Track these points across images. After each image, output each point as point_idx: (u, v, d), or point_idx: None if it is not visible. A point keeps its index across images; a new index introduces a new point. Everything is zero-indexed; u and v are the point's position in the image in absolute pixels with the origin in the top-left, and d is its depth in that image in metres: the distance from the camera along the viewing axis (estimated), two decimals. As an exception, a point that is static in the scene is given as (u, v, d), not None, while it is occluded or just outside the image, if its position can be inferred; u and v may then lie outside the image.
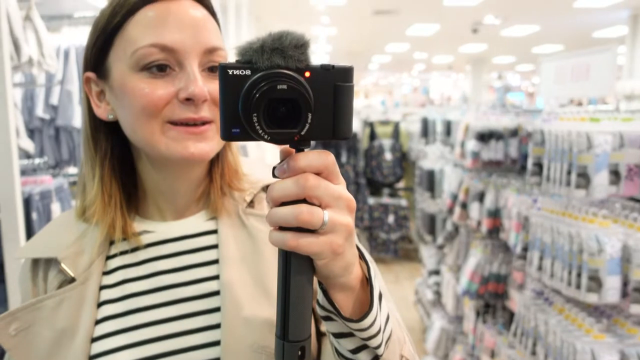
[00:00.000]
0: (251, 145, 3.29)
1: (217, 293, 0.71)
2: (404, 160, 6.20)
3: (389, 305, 0.62)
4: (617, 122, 1.98)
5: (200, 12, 0.69)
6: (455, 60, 15.38)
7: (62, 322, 0.69)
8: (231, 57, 0.53)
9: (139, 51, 0.65)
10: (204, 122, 0.67)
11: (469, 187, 3.06)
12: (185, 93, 0.65)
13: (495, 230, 2.81)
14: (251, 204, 0.78)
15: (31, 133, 2.75)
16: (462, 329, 3.39)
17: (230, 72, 0.47)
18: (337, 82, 0.48)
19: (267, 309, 0.68)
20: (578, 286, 1.92)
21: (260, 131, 0.46)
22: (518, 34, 10.53)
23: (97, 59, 0.71)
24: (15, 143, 1.69)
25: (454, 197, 3.30)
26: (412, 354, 0.63)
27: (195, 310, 0.70)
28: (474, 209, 2.95)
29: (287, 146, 0.51)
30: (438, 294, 3.87)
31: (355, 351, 0.56)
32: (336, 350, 0.59)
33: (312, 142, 0.51)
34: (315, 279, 0.54)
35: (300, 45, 0.47)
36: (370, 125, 6.28)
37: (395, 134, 6.23)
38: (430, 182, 4.35)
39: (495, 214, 2.78)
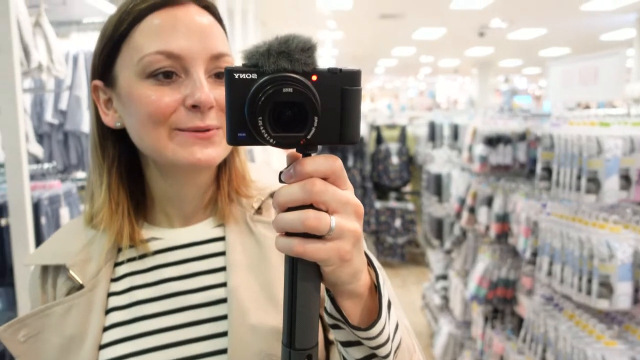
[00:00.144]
0: (257, 149, 3.29)
1: (224, 300, 0.71)
2: (410, 164, 6.18)
3: (398, 313, 0.61)
4: (627, 126, 1.96)
5: (206, 18, 0.70)
6: (462, 63, 15.35)
7: (71, 329, 0.69)
8: (237, 62, 0.52)
9: (145, 58, 0.66)
10: (211, 129, 0.67)
11: (477, 191, 3.05)
12: (192, 100, 0.65)
13: (503, 235, 2.79)
14: (259, 210, 0.77)
15: (40, 138, 2.77)
16: (470, 334, 3.37)
17: (236, 75, 0.46)
18: (344, 85, 0.48)
19: (275, 317, 0.68)
20: (589, 292, 1.90)
21: (266, 135, 0.46)
22: (525, 37, 10.50)
23: (104, 67, 0.71)
24: (25, 148, 1.70)
25: (462, 202, 3.28)
26: None
27: (202, 318, 0.70)
28: (482, 213, 2.94)
29: (294, 151, 0.50)
30: (446, 298, 3.85)
31: None
32: (344, 359, 0.58)
33: (319, 147, 0.50)
34: (322, 286, 0.53)
35: (307, 49, 0.46)
36: (377, 129, 6.27)
37: (402, 137, 6.22)
38: (438, 186, 4.34)
39: (503, 219, 2.76)
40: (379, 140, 6.23)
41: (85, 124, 2.67)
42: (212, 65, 0.68)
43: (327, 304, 0.55)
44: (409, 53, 13.23)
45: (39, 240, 2.04)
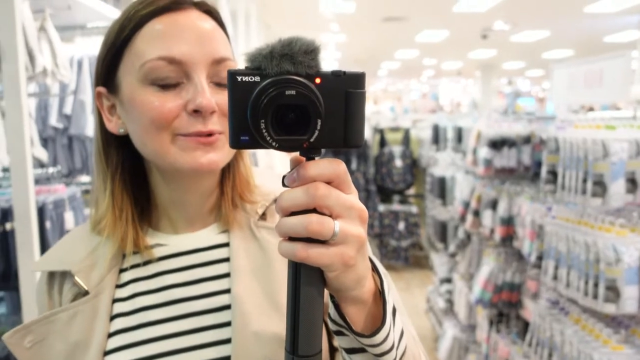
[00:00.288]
0: (261, 153, 3.29)
1: (228, 307, 0.70)
2: (414, 167, 6.18)
3: (403, 320, 0.60)
4: (633, 129, 1.95)
5: (208, 23, 0.70)
6: (465, 66, 15.34)
7: (76, 336, 0.69)
8: (240, 64, 0.52)
9: (147, 64, 0.66)
10: (213, 133, 0.67)
11: (482, 194, 3.04)
12: (193, 105, 0.65)
13: (508, 239, 2.78)
14: (263, 216, 0.77)
15: (45, 142, 2.78)
16: (475, 338, 3.36)
17: (239, 78, 0.46)
18: (348, 88, 0.47)
19: (278, 323, 0.67)
20: (595, 296, 1.89)
21: (269, 138, 0.45)
22: (528, 40, 10.48)
23: (107, 73, 0.71)
24: (30, 153, 1.70)
25: (466, 205, 3.28)
26: None
27: (205, 325, 0.70)
28: (487, 216, 2.93)
29: (298, 154, 0.49)
30: (450, 302, 3.84)
31: None
32: None
33: (323, 150, 0.49)
34: (326, 292, 0.52)
35: (310, 51, 0.46)
36: (381, 131, 6.27)
37: (406, 140, 6.22)
38: (442, 189, 4.33)
39: (508, 222, 2.75)
40: (383, 143, 6.22)
41: (90, 128, 2.68)
42: (214, 70, 0.68)
43: (331, 310, 0.54)
44: (412, 56, 13.23)
45: (43, 244, 2.04)
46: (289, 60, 0.45)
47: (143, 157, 0.74)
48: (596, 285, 1.89)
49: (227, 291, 0.71)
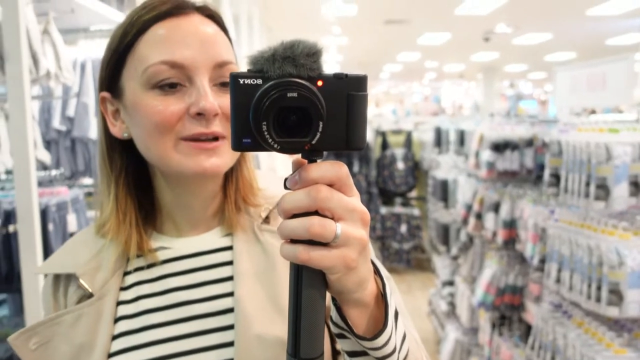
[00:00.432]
0: (263, 155, 3.29)
1: (231, 310, 0.70)
2: (416, 169, 6.17)
3: (406, 323, 0.60)
4: (636, 132, 1.95)
5: (210, 27, 0.70)
6: (467, 68, 15.33)
7: (80, 338, 0.69)
8: (243, 67, 0.52)
9: (150, 69, 0.66)
10: (216, 137, 0.67)
11: (484, 197, 3.04)
12: (196, 108, 0.65)
13: (511, 242, 2.78)
14: (267, 219, 0.77)
15: (48, 144, 2.78)
16: (477, 341, 3.35)
17: (241, 81, 0.46)
18: (350, 91, 0.47)
19: (281, 327, 0.67)
20: (598, 299, 1.89)
21: (270, 140, 0.45)
22: (530, 42, 10.47)
23: (111, 78, 0.72)
24: (33, 155, 1.70)
25: (469, 208, 3.27)
26: None
27: (209, 328, 0.70)
28: (489, 219, 2.93)
29: (300, 157, 0.50)
30: (452, 305, 3.83)
31: None
32: None
33: (325, 153, 0.50)
34: (328, 295, 0.52)
35: (312, 54, 0.46)
36: (383, 134, 6.27)
37: (408, 143, 6.22)
38: (444, 191, 4.33)
39: (511, 225, 2.75)
40: (385, 145, 6.22)
41: (93, 131, 2.68)
42: (217, 74, 0.68)
43: (333, 312, 0.54)
44: (414, 58, 13.23)
45: (46, 246, 2.05)
46: (291, 63, 0.46)
47: (147, 161, 0.74)
48: (599, 288, 1.89)
49: (231, 294, 0.71)
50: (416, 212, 6.14)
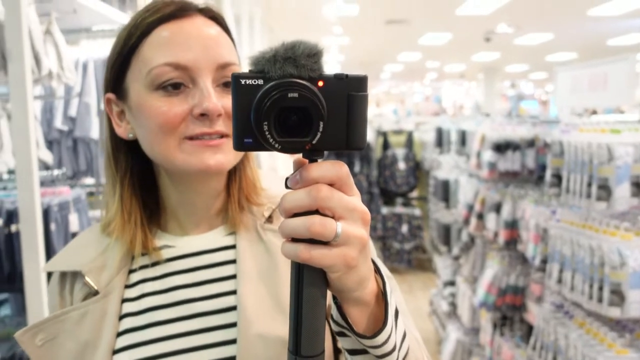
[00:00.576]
0: (264, 154, 3.30)
1: (233, 308, 0.71)
2: (417, 169, 6.17)
3: (407, 323, 0.61)
4: (638, 133, 1.95)
5: (213, 29, 0.71)
6: (468, 68, 15.33)
7: (86, 335, 0.70)
8: (245, 68, 0.53)
9: (154, 71, 0.67)
10: (220, 136, 0.68)
11: (486, 197, 3.04)
12: (200, 109, 0.66)
13: (512, 242, 2.78)
14: (269, 219, 0.78)
15: (50, 144, 2.78)
16: (478, 342, 3.35)
17: (242, 81, 0.47)
18: (350, 91, 0.48)
19: (283, 325, 0.68)
20: (600, 300, 1.89)
21: (271, 140, 0.46)
22: (531, 43, 10.47)
23: (115, 80, 0.73)
24: (35, 155, 1.70)
25: (470, 208, 3.27)
26: None
27: (211, 325, 0.71)
28: (491, 220, 2.93)
29: (301, 157, 0.50)
30: (453, 305, 3.83)
31: None
32: None
33: (325, 153, 0.50)
34: (329, 294, 0.52)
35: (313, 55, 0.47)
36: (384, 134, 6.27)
37: (409, 143, 6.22)
38: (445, 192, 4.33)
39: (512, 225, 2.75)
40: (386, 145, 6.22)
41: (94, 131, 2.69)
42: (219, 75, 0.69)
43: (333, 311, 0.55)
44: (415, 58, 13.23)
45: (48, 246, 2.05)
46: (292, 64, 0.46)
47: (152, 161, 0.75)
48: (601, 289, 1.89)
49: (233, 292, 0.72)
50: (417, 212, 6.14)
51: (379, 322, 0.53)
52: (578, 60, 12.80)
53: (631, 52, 2.54)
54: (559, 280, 2.15)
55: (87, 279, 0.73)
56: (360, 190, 5.93)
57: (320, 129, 0.46)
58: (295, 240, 0.48)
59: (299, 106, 0.46)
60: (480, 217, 3.09)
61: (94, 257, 0.75)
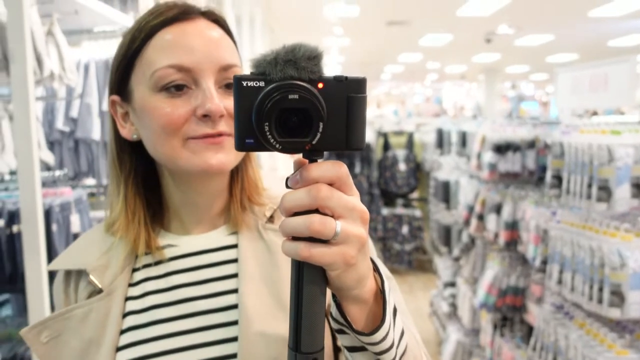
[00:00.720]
0: (264, 155, 3.30)
1: (235, 307, 0.72)
2: (418, 170, 6.18)
3: (405, 322, 0.61)
4: (638, 134, 1.95)
5: (216, 32, 0.73)
6: (468, 69, 15.33)
7: (90, 332, 0.72)
8: (246, 70, 0.54)
9: (157, 73, 0.69)
10: (222, 134, 0.70)
11: (486, 198, 3.04)
12: (202, 110, 0.68)
13: (512, 243, 2.78)
14: (271, 219, 0.79)
15: (51, 145, 2.79)
16: (478, 342, 3.35)
17: (244, 83, 0.48)
18: (349, 93, 0.49)
19: (283, 324, 0.69)
20: (600, 301, 1.89)
21: (272, 140, 0.47)
22: (532, 44, 10.47)
23: (120, 82, 0.75)
24: (37, 156, 1.71)
25: (470, 209, 3.28)
26: None
27: (213, 323, 0.72)
28: (491, 221, 2.93)
29: (301, 157, 0.51)
30: (454, 306, 3.83)
31: None
32: None
33: (325, 153, 0.51)
34: (329, 293, 0.53)
35: (313, 57, 0.48)
36: (384, 135, 6.27)
37: (409, 144, 6.22)
38: (446, 193, 4.33)
39: (512, 226, 2.75)
40: (386, 146, 6.23)
41: (96, 132, 2.69)
42: (222, 77, 0.71)
43: (333, 309, 0.55)
44: (416, 59, 13.24)
45: (50, 247, 2.05)
46: (292, 66, 0.47)
47: (155, 162, 0.77)
48: (601, 289, 1.89)
49: (235, 291, 0.73)
50: (418, 213, 6.14)
51: (378, 319, 0.54)
52: (579, 61, 12.79)
53: (632, 53, 2.54)
54: (559, 281, 2.15)
55: (92, 277, 0.74)
56: (361, 191, 5.93)
57: (320, 130, 0.47)
58: (295, 238, 0.49)
59: (300, 107, 0.47)
60: (481, 218, 3.10)
61: (98, 256, 0.77)
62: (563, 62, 13.03)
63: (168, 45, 0.69)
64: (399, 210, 6.18)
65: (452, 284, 3.96)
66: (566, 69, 3.01)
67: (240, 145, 0.49)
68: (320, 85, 0.48)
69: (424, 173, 6.15)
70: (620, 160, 1.89)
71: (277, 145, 0.47)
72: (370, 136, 6.26)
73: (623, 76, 2.47)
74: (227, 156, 0.70)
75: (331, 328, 0.70)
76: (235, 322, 0.71)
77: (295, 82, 0.47)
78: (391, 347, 0.54)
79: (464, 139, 3.89)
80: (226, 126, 0.70)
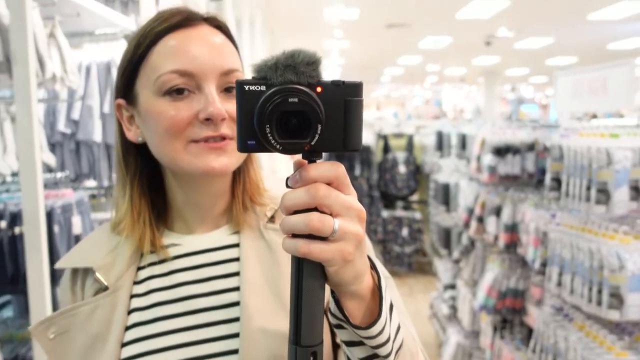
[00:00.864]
0: (264, 156, 3.31)
1: (237, 304, 0.74)
2: (418, 173, 6.18)
3: (402, 319, 0.63)
4: (637, 137, 1.96)
5: (218, 37, 0.75)
6: (468, 72, 15.36)
7: (96, 328, 0.74)
8: (247, 74, 0.56)
9: (161, 77, 0.71)
10: (224, 138, 0.72)
11: (486, 201, 3.05)
12: (205, 114, 0.70)
13: (512, 245, 2.79)
14: (272, 219, 0.81)
15: (52, 147, 2.80)
16: (478, 345, 3.35)
17: (246, 87, 0.50)
18: (347, 96, 0.51)
19: (284, 320, 0.70)
20: (599, 303, 1.90)
21: (273, 141, 0.49)
22: (532, 47, 10.50)
23: (126, 87, 0.77)
24: (39, 158, 1.72)
25: (470, 211, 3.28)
26: None
27: (215, 320, 0.74)
28: (491, 223, 2.94)
29: (300, 157, 0.53)
30: (454, 308, 3.84)
31: None
32: (348, 359, 0.61)
33: (324, 154, 0.53)
34: (328, 291, 0.55)
35: (312, 63, 0.50)
36: (384, 138, 6.28)
37: (409, 146, 6.23)
38: (446, 195, 4.34)
39: (512, 229, 2.76)
40: (386, 149, 6.24)
41: (97, 134, 2.70)
42: (223, 81, 0.73)
43: (331, 304, 0.57)
44: (415, 62, 13.26)
45: (51, 248, 2.06)
46: (292, 71, 0.49)
47: (160, 163, 0.79)
48: (600, 292, 1.90)
49: (237, 289, 0.75)
50: (418, 215, 6.14)
51: (374, 314, 0.56)
52: (578, 64, 12.82)
53: (631, 57, 2.56)
54: (559, 284, 2.16)
55: (98, 275, 0.76)
56: (361, 193, 5.94)
57: (319, 132, 0.49)
58: (295, 236, 0.51)
59: (299, 110, 0.49)
60: (481, 220, 3.10)
61: (105, 254, 0.79)
62: (563, 65, 13.05)
63: (172, 51, 0.72)
64: (399, 212, 6.18)
65: (452, 287, 3.97)
66: (566, 72, 3.02)
67: (243, 147, 0.51)
68: (319, 89, 0.50)
69: (423, 175, 6.16)
70: (619, 163, 1.90)
71: (278, 146, 0.49)
72: (370, 138, 6.27)
73: (622, 79, 2.48)
74: (229, 159, 0.72)
75: (330, 325, 0.72)
76: (237, 319, 0.73)
77: (295, 87, 0.49)
78: (387, 341, 0.56)
79: (463, 142, 3.90)
80: (228, 129, 0.72)
